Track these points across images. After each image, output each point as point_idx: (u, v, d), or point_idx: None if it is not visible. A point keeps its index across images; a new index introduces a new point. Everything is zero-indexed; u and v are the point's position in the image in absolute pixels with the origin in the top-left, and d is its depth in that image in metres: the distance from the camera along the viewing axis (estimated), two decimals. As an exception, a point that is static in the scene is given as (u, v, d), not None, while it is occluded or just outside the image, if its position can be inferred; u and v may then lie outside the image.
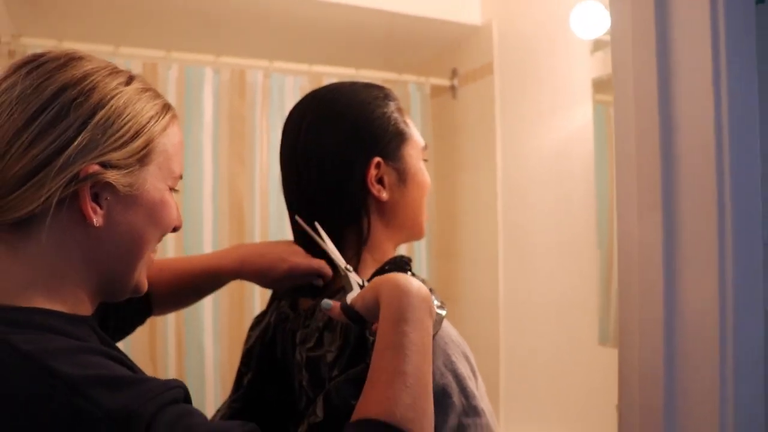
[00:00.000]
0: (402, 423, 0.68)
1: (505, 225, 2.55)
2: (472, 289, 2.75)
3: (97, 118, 0.69)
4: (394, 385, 0.70)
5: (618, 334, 0.80)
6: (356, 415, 0.69)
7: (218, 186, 2.39)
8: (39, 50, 2.14)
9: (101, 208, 0.71)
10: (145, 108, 0.75)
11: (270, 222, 2.44)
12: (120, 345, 2.19)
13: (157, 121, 0.76)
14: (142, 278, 0.80)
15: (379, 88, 1.02)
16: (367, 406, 0.70)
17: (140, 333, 2.24)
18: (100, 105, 0.70)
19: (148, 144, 0.74)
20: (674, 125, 0.76)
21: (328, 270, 0.96)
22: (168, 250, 2.29)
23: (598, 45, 2.06)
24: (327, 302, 0.86)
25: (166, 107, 0.79)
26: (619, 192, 0.81)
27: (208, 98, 2.39)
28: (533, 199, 2.39)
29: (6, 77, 0.70)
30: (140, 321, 1.07)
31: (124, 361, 0.71)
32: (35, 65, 0.71)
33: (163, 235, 0.80)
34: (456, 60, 2.88)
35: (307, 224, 0.93)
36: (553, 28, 2.28)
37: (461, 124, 2.84)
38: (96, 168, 0.69)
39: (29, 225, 0.69)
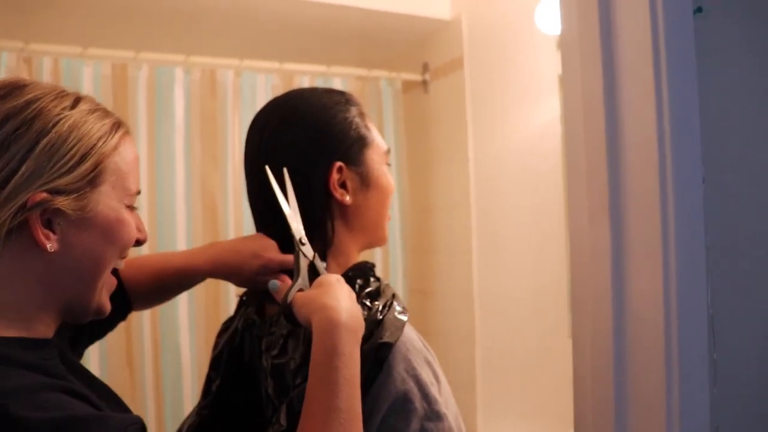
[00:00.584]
0: None
1: (479, 219, 2.57)
2: (447, 283, 2.77)
3: (41, 146, 0.69)
4: (329, 422, 0.74)
5: (572, 333, 0.83)
6: None
7: (191, 186, 2.39)
8: (5, 53, 2.10)
9: (54, 233, 0.71)
10: (93, 129, 0.74)
11: (244, 221, 2.44)
12: (95, 347, 2.21)
13: (105, 141, 0.75)
14: (103, 299, 0.80)
15: (340, 93, 1.03)
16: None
17: (116, 334, 2.25)
18: (43, 132, 0.70)
19: (97, 165, 0.74)
20: (619, 131, 0.78)
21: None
22: (142, 249, 2.29)
23: (564, 40, 2.07)
24: (274, 283, 0.90)
25: (116, 125, 0.78)
26: (570, 197, 0.83)
27: (180, 98, 2.38)
28: (505, 192, 2.42)
29: None
30: (121, 318, 1.08)
31: (86, 395, 0.71)
32: None
33: (123, 251, 0.80)
34: (427, 54, 2.89)
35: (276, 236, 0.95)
36: (519, 23, 2.29)
37: (433, 119, 2.86)
38: (43, 195, 0.69)
39: None
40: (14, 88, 0.73)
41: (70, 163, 0.71)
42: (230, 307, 2.37)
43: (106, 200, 0.75)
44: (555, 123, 2.12)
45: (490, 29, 2.48)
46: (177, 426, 1.06)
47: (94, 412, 0.67)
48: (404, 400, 0.84)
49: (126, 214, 0.78)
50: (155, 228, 2.31)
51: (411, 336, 0.92)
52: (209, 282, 2.39)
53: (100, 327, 1.04)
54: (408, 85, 2.94)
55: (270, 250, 0.99)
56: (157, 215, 2.31)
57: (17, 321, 0.72)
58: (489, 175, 2.51)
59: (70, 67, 2.20)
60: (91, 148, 0.73)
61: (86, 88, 2.20)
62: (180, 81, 2.39)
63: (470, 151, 2.59)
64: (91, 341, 1.04)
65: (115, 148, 0.77)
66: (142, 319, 2.29)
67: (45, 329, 0.75)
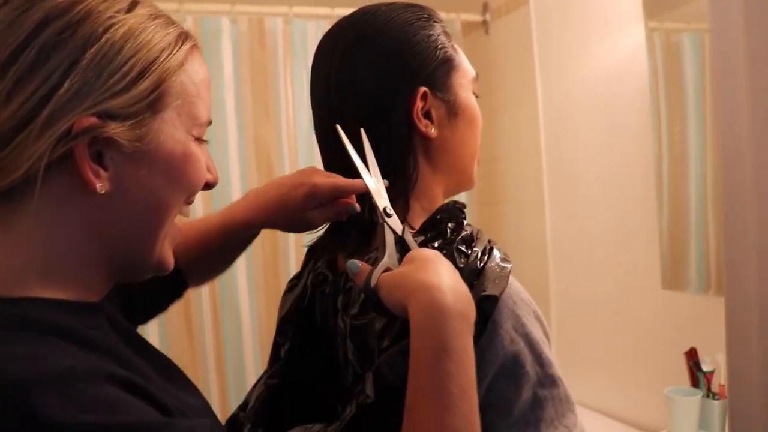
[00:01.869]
0: None
1: (550, 166, 2.39)
2: (517, 237, 2.61)
3: (89, 56, 0.55)
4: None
5: (719, 279, 0.66)
6: None
7: (244, 141, 2.29)
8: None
9: (106, 169, 0.57)
10: (154, 39, 0.59)
11: (301, 176, 2.32)
12: (154, 323, 2.13)
13: (170, 54, 0.60)
14: (165, 252, 0.66)
15: (421, 8, 0.87)
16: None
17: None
18: (92, 39, 0.55)
19: (159, 84, 0.59)
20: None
21: (360, 185, 0.78)
22: (197, 211, 2.19)
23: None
24: (354, 263, 0.71)
25: (183, 36, 0.63)
26: (722, 100, 0.65)
27: (227, 50, 2.26)
28: (580, 136, 2.23)
29: None
30: (176, 297, 0.95)
31: (141, 385, 0.55)
32: None
33: (191, 196, 0.66)
34: (487, -8, 2.69)
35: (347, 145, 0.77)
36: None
37: (497, 62, 2.67)
38: (92, 121, 0.55)
39: (18, 196, 0.56)
40: None
41: (126, 80, 0.57)
42: (292, 264, 2.26)
43: (170, 130, 0.61)
44: (640, 52, 1.91)
45: (558, -44, 2.26)
46: (241, 397, 0.93)
47: (153, 419, 0.52)
48: (514, 364, 0.70)
49: (195, 149, 0.64)
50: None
51: (517, 287, 0.77)
52: (266, 238, 2.31)
53: (154, 303, 0.92)
54: (467, 27, 2.75)
55: (316, 174, 0.82)
56: (210, 173, 2.21)
57: (59, 280, 0.58)
58: (561, 119, 2.32)
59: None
60: (152, 62, 0.59)
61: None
62: (227, 32, 2.27)
63: (539, 94, 2.41)
64: (146, 319, 0.91)
65: (182, 64, 0.62)
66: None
67: (93, 291, 0.62)
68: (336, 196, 0.82)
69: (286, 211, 0.84)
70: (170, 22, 0.63)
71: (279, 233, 2.32)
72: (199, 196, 2.17)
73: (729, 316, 0.68)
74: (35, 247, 0.57)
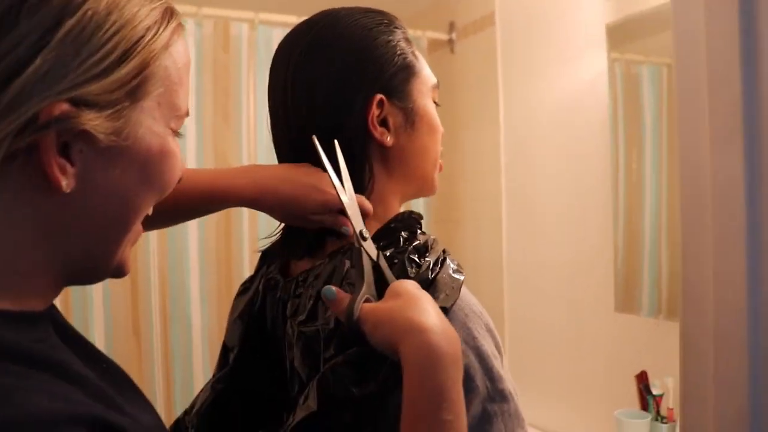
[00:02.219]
0: None
1: (509, 186, 2.41)
2: (474, 255, 2.61)
3: (65, 27, 0.46)
4: None
5: (679, 301, 0.66)
6: None
7: (202, 146, 2.25)
8: None
9: (72, 164, 0.48)
10: (140, 14, 0.50)
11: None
12: (100, 315, 2.06)
13: (156, 33, 0.52)
14: (126, 256, 0.58)
15: (381, 14, 0.85)
16: None
17: (122, 302, 2.11)
18: (69, 8, 0.46)
19: (143, 69, 0.51)
20: (758, 38, 0.61)
21: (368, 207, 0.77)
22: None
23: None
24: (330, 290, 0.68)
25: (169, 12, 0.54)
26: (683, 122, 0.66)
27: (190, 53, 2.22)
28: (540, 157, 2.25)
29: None
30: None
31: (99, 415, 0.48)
32: None
33: (163, 196, 0.57)
34: (453, 12, 2.71)
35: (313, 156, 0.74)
36: (561, -29, 2.11)
37: (461, 81, 2.69)
38: (64, 108, 0.46)
39: None
40: None
41: (107, 61, 0.48)
42: (245, 268, 2.23)
43: (149, 122, 0.52)
44: (601, 80, 1.94)
45: (526, -20, 2.29)
46: (187, 401, 0.90)
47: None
48: (464, 378, 0.68)
49: (173, 144, 0.56)
50: (164, 191, 2.16)
51: (469, 299, 0.76)
52: (220, 240, 2.26)
53: None
54: (433, 45, 2.76)
55: (329, 185, 0.75)
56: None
57: (2, 288, 0.50)
58: (522, 139, 2.34)
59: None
60: (137, 41, 0.50)
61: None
62: (191, 34, 2.24)
63: (501, 114, 2.43)
64: None
65: (167, 46, 0.53)
66: (150, 285, 2.14)
67: (40, 298, 0.53)
68: (341, 211, 0.77)
69: (294, 208, 0.80)
70: None
71: (233, 236, 2.29)
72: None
73: (684, 340, 0.68)
74: None
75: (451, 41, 2.71)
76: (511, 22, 2.38)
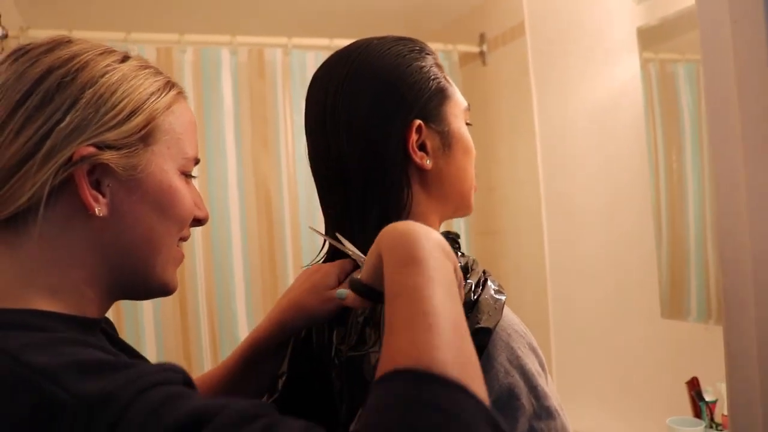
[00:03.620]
0: (435, 366, 0.48)
1: (548, 195, 2.40)
2: (516, 266, 2.60)
3: (87, 96, 0.62)
4: (414, 328, 0.52)
5: (720, 308, 0.65)
6: (379, 372, 0.51)
7: (243, 172, 2.30)
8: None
9: (104, 196, 0.63)
10: (144, 84, 0.67)
11: (299, 206, 2.33)
12: (152, 340, 2.12)
13: (158, 97, 0.68)
14: (167, 276, 0.71)
15: (413, 41, 0.87)
16: (388, 359, 0.52)
17: (172, 330, 2.16)
18: (90, 83, 0.63)
19: (149, 122, 0.66)
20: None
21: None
22: (195, 240, 2.19)
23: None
24: (341, 291, 0.74)
25: (170, 84, 0.71)
26: (713, 131, 0.66)
27: (227, 80, 2.28)
28: (577, 164, 2.24)
29: None
30: None
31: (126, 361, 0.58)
32: (21, 53, 0.64)
33: (182, 228, 0.71)
34: (483, 24, 2.72)
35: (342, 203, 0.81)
36: (589, -22, 2.11)
37: (494, 92, 2.69)
38: (90, 150, 0.61)
39: (25, 220, 0.61)
40: (59, 43, 0.66)
41: (120, 116, 0.64)
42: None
43: (159, 161, 0.67)
44: (634, 81, 1.93)
45: (554, -11, 2.30)
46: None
47: (124, 360, 0.56)
48: (509, 396, 0.69)
49: (179, 182, 0.69)
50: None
51: (512, 319, 0.77)
52: (264, 264, 2.30)
53: None
54: (465, 58, 2.78)
55: (329, 280, 0.82)
56: (209, 204, 2.21)
57: (60, 298, 0.62)
58: (558, 147, 2.33)
59: (114, 53, 2.12)
60: (143, 102, 0.66)
61: (131, 74, 2.12)
62: (226, 62, 2.29)
63: (536, 123, 2.42)
64: None
65: (169, 106, 0.69)
66: (198, 312, 2.19)
67: (93, 309, 0.66)
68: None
69: (306, 318, 0.84)
70: (158, 72, 0.71)
71: (277, 256, 2.32)
72: (199, 230, 2.18)
73: (728, 345, 0.68)
74: (38, 266, 0.62)
75: (482, 53, 2.72)
76: (541, 30, 2.38)
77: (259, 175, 2.31)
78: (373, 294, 0.68)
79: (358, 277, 0.70)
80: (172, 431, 0.48)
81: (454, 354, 0.50)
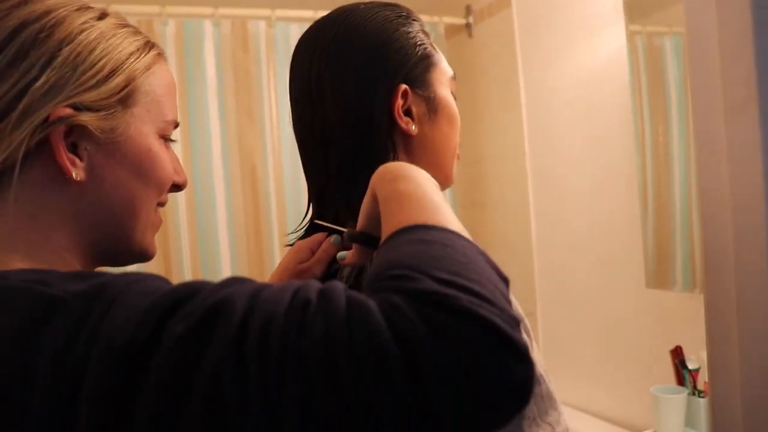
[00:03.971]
0: (435, 223, 0.53)
1: (534, 167, 2.40)
2: (502, 238, 2.61)
3: (63, 54, 0.60)
4: (410, 209, 0.56)
5: (701, 277, 0.66)
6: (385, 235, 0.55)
7: (227, 144, 2.28)
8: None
9: (81, 159, 0.62)
10: (123, 44, 0.64)
11: (285, 176, 2.32)
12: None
13: (138, 58, 0.65)
14: (146, 241, 0.70)
15: (399, 7, 0.87)
16: (387, 233, 0.55)
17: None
18: (67, 40, 0.60)
19: (129, 83, 0.64)
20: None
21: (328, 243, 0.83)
22: (180, 213, 2.18)
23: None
24: (341, 254, 0.75)
25: (149, 44, 0.69)
26: (695, 89, 0.66)
27: (210, 53, 2.26)
28: (564, 137, 2.24)
29: None
30: None
31: None
32: None
33: (161, 192, 0.70)
34: (470, -4, 2.69)
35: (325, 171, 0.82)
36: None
37: (480, 64, 2.67)
38: (67, 111, 0.59)
39: (1, 183, 0.59)
40: None
41: (98, 76, 0.61)
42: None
43: (138, 124, 0.65)
44: (621, 55, 1.92)
45: (540, -41, 2.27)
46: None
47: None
48: None
49: (158, 146, 0.68)
50: (192, 190, 2.20)
51: None
52: (250, 240, 2.30)
53: None
54: (451, 30, 2.76)
55: (302, 255, 0.84)
56: (193, 176, 2.20)
57: (41, 262, 0.61)
58: (545, 120, 2.32)
59: (94, 24, 2.09)
60: (122, 63, 0.64)
61: (112, 47, 2.09)
62: (209, 35, 2.26)
63: (522, 95, 2.41)
64: None
65: (149, 67, 0.67)
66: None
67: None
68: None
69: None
70: (137, 31, 0.69)
71: (263, 227, 2.31)
72: (183, 198, 2.16)
73: (708, 313, 0.68)
74: (17, 231, 0.60)
75: (468, 25, 2.70)
76: (528, 2, 2.37)
77: (243, 149, 2.29)
78: (371, 239, 0.69)
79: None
80: (168, 292, 0.48)
81: (452, 218, 0.55)
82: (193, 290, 0.48)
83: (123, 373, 0.44)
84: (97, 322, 0.47)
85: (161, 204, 0.72)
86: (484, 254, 0.52)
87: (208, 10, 2.26)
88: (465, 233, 0.54)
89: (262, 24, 2.33)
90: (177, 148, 2.27)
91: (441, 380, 0.41)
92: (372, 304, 0.43)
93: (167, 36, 2.20)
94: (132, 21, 2.17)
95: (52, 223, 0.62)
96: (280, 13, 2.34)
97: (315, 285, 0.48)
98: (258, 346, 0.43)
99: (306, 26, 2.45)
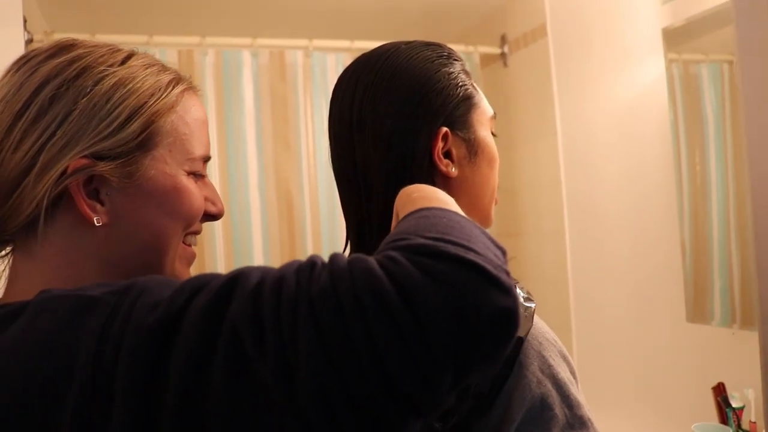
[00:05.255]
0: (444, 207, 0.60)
1: (571, 198, 2.38)
2: (538, 268, 2.58)
3: (80, 106, 0.62)
4: (420, 204, 0.61)
5: (744, 312, 0.64)
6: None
7: (264, 173, 2.30)
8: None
9: (103, 204, 0.64)
10: (144, 85, 0.66)
11: (320, 207, 2.33)
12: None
13: (160, 98, 0.66)
14: (177, 273, 0.72)
15: (441, 47, 0.86)
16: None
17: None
18: (83, 92, 0.62)
19: (148, 126, 0.65)
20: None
21: None
22: (216, 242, 2.20)
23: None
24: None
25: (175, 81, 0.69)
26: (750, 128, 0.64)
27: (248, 82, 2.29)
28: (600, 166, 2.21)
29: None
30: None
31: None
32: (23, 62, 0.65)
33: (190, 225, 0.71)
34: (504, 25, 2.70)
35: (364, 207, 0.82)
36: (613, -22, 2.09)
37: (515, 94, 2.67)
38: (84, 162, 0.62)
39: (32, 230, 0.63)
40: (60, 48, 0.65)
41: (114, 124, 0.63)
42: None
43: (160, 166, 0.66)
44: (659, 83, 1.90)
45: (576, -11, 2.28)
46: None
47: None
48: (542, 407, 0.69)
49: (186, 182, 0.69)
50: (229, 219, 2.22)
51: (542, 326, 0.76)
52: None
53: None
54: (486, 59, 2.77)
55: None
56: (230, 205, 2.22)
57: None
58: (581, 149, 2.31)
59: (137, 55, 2.14)
60: (141, 106, 0.65)
61: (153, 76, 2.14)
62: (248, 64, 2.30)
63: (558, 125, 2.40)
64: None
65: (172, 106, 0.68)
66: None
67: None
68: None
69: None
70: (164, 69, 0.69)
71: (298, 258, 2.32)
72: (220, 226, 2.19)
73: (764, 351, 0.66)
74: (53, 271, 0.64)
75: (503, 55, 2.70)
76: (563, 32, 2.36)
77: (280, 177, 2.31)
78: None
79: None
80: (191, 279, 0.53)
81: (458, 210, 0.60)
82: (212, 276, 0.53)
83: (155, 347, 0.48)
84: (129, 309, 0.51)
85: (195, 233, 0.73)
86: (481, 229, 0.56)
87: (246, 41, 2.30)
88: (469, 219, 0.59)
89: (300, 54, 2.36)
90: (215, 175, 2.30)
91: (431, 311, 0.46)
92: (371, 259, 0.49)
93: (206, 66, 2.25)
94: (172, 52, 2.21)
95: (84, 261, 0.65)
96: (318, 43, 2.37)
97: (321, 257, 0.53)
98: (271, 299, 0.48)
99: (342, 56, 2.48)
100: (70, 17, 2.44)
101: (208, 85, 2.24)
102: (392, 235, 0.54)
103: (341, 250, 0.89)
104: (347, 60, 2.41)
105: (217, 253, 2.20)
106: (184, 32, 2.27)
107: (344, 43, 2.37)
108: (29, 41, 2.01)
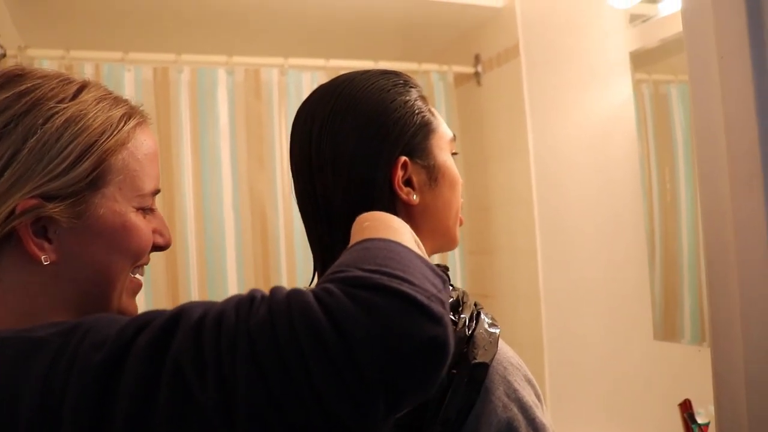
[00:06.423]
0: (391, 238, 0.61)
1: (542, 216, 2.41)
2: (509, 286, 2.61)
3: (29, 145, 0.61)
4: (369, 234, 0.63)
5: (708, 332, 0.66)
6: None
7: (238, 191, 2.30)
8: (46, 62, 2.05)
9: (50, 242, 0.64)
10: (95, 122, 0.65)
11: (294, 225, 2.33)
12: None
13: (111, 134, 0.66)
14: (124, 305, 0.72)
15: (396, 74, 0.87)
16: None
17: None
18: (32, 130, 0.61)
19: (99, 165, 0.65)
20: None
21: None
22: (190, 260, 2.19)
23: (635, 18, 1.91)
24: None
25: (127, 115, 0.69)
26: (702, 165, 0.67)
27: (223, 100, 2.30)
28: (571, 186, 2.25)
29: None
30: None
31: None
32: None
33: (137, 259, 0.71)
34: (478, 45, 2.74)
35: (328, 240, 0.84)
36: (582, 2, 2.13)
37: (489, 112, 2.71)
38: (33, 202, 0.61)
39: None
40: (10, 78, 0.64)
41: (64, 165, 0.62)
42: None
43: (109, 204, 0.66)
44: (627, 105, 1.95)
45: (548, 11, 2.32)
46: None
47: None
48: (509, 430, 0.70)
49: (134, 219, 0.69)
50: (203, 235, 2.22)
51: (506, 351, 0.77)
52: (260, 285, 2.30)
53: None
54: (460, 78, 2.80)
55: None
56: (204, 222, 2.22)
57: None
58: (552, 168, 2.35)
59: (112, 72, 2.14)
60: (92, 145, 0.64)
61: (128, 93, 2.10)
62: (223, 82, 2.30)
63: (530, 144, 2.44)
64: None
65: (123, 143, 0.67)
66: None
67: None
68: None
69: None
70: (116, 103, 0.69)
71: (272, 274, 2.32)
72: (193, 242, 2.18)
73: (715, 366, 0.69)
74: (5, 309, 0.64)
75: (477, 74, 2.74)
76: (536, 52, 2.41)
77: (254, 195, 2.32)
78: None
79: None
80: (136, 317, 0.54)
81: (407, 238, 0.63)
82: (157, 313, 0.54)
83: (101, 386, 0.49)
84: (75, 349, 0.52)
85: (141, 264, 0.73)
86: (422, 259, 0.58)
87: (222, 58, 2.31)
88: (416, 249, 0.61)
89: (275, 72, 2.37)
90: (188, 193, 2.28)
91: (362, 340, 0.48)
92: (308, 292, 0.51)
93: (182, 83, 2.25)
94: (147, 69, 2.20)
95: (35, 299, 0.65)
96: (293, 61, 2.39)
97: (261, 290, 0.55)
98: (212, 333, 0.50)
99: (318, 75, 2.49)
100: (45, 32, 2.43)
101: (183, 103, 2.23)
102: (333, 267, 0.56)
103: (312, 270, 0.91)
104: (323, 78, 2.42)
105: (190, 270, 2.20)
106: (159, 49, 2.27)
107: (319, 62, 2.39)
108: (2, 56, 2.00)
